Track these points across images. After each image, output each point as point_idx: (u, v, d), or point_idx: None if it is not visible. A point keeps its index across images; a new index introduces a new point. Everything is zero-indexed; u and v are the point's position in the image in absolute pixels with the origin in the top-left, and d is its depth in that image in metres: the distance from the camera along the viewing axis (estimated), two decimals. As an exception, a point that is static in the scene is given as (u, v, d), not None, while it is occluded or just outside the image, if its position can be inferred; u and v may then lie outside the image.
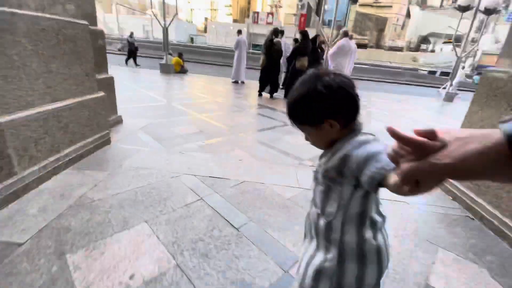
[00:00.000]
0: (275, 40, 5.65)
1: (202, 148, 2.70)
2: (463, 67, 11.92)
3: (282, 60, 6.33)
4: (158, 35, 33.26)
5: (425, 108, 7.42)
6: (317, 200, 0.71)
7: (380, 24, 64.62)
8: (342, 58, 6.10)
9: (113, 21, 41.60)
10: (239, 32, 7.87)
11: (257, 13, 37.77)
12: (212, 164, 2.33)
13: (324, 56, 6.56)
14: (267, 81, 6.03)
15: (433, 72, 23.46)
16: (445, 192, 2.09)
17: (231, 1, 76.15)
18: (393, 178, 0.41)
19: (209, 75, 9.86)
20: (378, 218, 0.67)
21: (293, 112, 0.65)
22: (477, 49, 37.03)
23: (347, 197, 0.63)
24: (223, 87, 7.34)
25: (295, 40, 6.81)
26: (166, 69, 8.84)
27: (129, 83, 6.27)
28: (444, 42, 55.20)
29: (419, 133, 0.32)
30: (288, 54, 6.04)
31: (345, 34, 6.02)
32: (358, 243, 0.66)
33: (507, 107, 1.69)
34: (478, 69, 32.77)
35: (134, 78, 7.38)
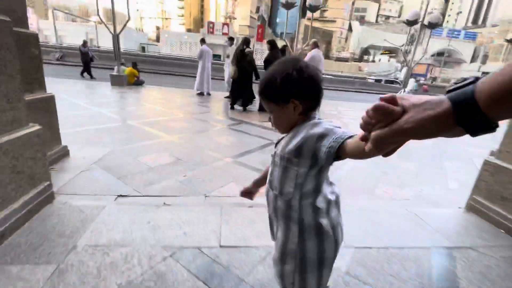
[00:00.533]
0: (247, 50, 5.28)
1: (186, 185, 2.11)
2: (412, 76, 13.21)
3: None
4: (104, 44, 30.61)
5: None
6: (275, 182, 0.75)
7: (327, 37, 69.87)
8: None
9: (50, 28, 37.41)
10: (203, 41, 7.34)
11: (212, 23, 37.51)
12: (213, 218, 1.65)
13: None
14: (240, 93, 5.61)
15: (379, 81, 25.82)
16: (494, 225, 1.74)
17: (184, 10, 74.73)
18: (356, 144, 0.50)
19: (168, 86, 9.04)
20: (331, 196, 0.74)
21: (265, 88, 0.70)
22: (412, 59, 42.20)
23: (303, 175, 0.68)
24: (187, 99, 6.68)
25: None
26: (118, 81, 7.78)
27: (74, 99, 5.22)
28: (382, 53, 62.26)
29: (384, 98, 0.38)
30: None
31: (315, 45, 5.96)
32: (314, 218, 0.71)
33: None
34: (412, 76, 37.37)
35: (80, 93, 6.26)
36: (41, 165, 1.61)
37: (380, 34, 60.87)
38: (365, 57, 67.44)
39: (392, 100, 0.37)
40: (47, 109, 2.27)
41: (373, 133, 0.39)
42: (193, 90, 7.70)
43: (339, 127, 0.62)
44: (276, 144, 0.77)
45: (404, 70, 40.10)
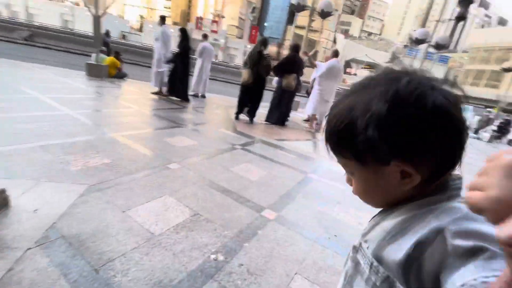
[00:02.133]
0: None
1: (223, 279, 1.20)
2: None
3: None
4: (81, 27, 27.95)
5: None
6: None
7: (313, 46, 71.19)
8: (331, 81, 5.29)
9: (19, 4, 33.83)
10: (205, 37, 6.34)
11: (201, 18, 36.06)
12: None
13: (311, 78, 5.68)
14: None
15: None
16: None
17: (171, 2, 71.93)
18: None
19: (156, 84, 7.87)
20: None
21: (334, 132, 0.35)
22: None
23: None
24: (181, 102, 5.64)
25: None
26: (96, 72, 6.48)
27: (37, 93, 3.98)
28: (363, 68, 64.73)
29: None
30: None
31: (336, 54, 5.25)
32: None
33: None
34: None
35: (46, 83, 4.94)
36: None
37: (363, 49, 63.26)
38: (347, 70, 69.56)
39: None
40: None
41: None
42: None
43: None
44: (369, 230, 0.38)
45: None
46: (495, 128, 12.30)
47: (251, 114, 4.82)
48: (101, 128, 2.97)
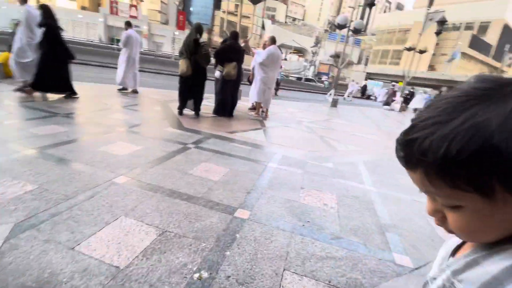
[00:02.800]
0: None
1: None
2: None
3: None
4: None
5: (338, 115, 8.05)
6: None
7: (243, 32, 71.08)
8: (272, 68, 5.37)
9: None
10: (128, 24, 5.57)
11: (115, 2, 31.77)
12: None
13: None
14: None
15: (299, 78, 27.73)
16: None
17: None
18: None
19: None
20: None
21: (463, 162, 0.27)
22: (317, 59, 47.63)
23: None
24: (108, 100, 4.93)
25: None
26: (-17, 72, 5.07)
27: None
28: (291, 53, 68.30)
29: None
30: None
31: (273, 41, 5.32)
32: None
33: None
34: (318, 75, 42.32)
35: None
36: None
37: (290, 35, 66.43)
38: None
39: None
40: None
41: None
42: (106, 85, 5.83)
43: None
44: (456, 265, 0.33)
45: (312, 68, 45.11)
46: (402, 99, 14.64)
47: (196, 107, 4.55)
48: (7, 146, 2.34)
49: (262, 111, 5.80)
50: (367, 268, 1.45)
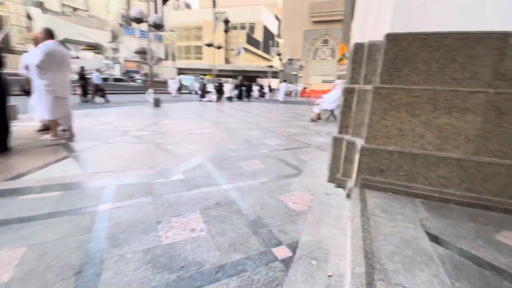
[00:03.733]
0: None
1: None
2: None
3: None
4: None
5: (164, 116, 7.45)
6: None
7: (1, 24, 49.36)
8: (58, 72, 3.91)
9: None
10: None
11: None
12: None
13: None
14: None
15: (106, 79, 23.58)
16: (382, 191, 2.33)
17: None
18: None
19: None
20: None
21: None
22: (119, 56, 42.79)
23: None
24: None
25: None
26: None
27: None
28: (84, 49, 56.75)
29: None
30: None
31: (50, 34, 3.82)
32: None
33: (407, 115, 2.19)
34: (127, 73, 38.45)
35: None
36: None
37: (75, 27, 54.37)
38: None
39: None
40: None
41: None
42: None
43: None
44: None
45: (118, 66, 40.12)
46: (213, 90, 16.37)
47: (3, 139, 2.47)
48: None
49: (64, 130, 4.26)
50: (262, 284, 1.32)
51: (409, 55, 2.09)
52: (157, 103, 9.87)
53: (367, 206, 1.98)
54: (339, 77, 15.00)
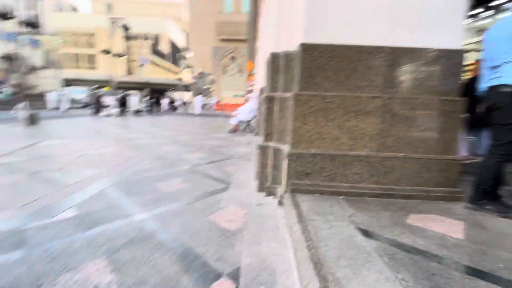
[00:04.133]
0: None
1: None
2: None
3: None
4: None
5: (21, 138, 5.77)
6: None
7: None
8: None
9: None
10: None
11: None
12: None
13: None
14: None
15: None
16: (311, 193, 2.27)
17: None
18: None
19: None
20: None
21: None
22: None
23: None
24: None
25: None
26: None
27: None
28: None
29: None
30: None
31: None
32: None
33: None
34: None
35: None
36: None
37: None
38: None
39: None
40: None
41: None
42: None
43: None
44: None
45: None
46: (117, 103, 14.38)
47: None
48: None
49: None
50: None
51: (321, 64, 2.25)
52: (33, 120, 7.70)
53: (301, 211, 1.95)
54: (249, 92, 15.86)
